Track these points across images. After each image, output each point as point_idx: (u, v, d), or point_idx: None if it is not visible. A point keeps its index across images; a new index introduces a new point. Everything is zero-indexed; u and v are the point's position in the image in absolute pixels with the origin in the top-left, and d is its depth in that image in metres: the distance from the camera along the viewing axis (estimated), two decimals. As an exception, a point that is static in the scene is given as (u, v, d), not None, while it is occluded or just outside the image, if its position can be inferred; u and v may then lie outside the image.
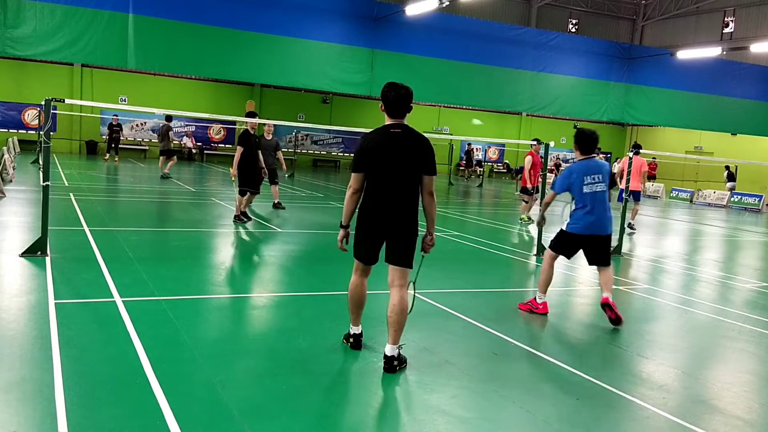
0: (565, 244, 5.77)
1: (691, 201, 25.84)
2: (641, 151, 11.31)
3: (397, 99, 4.05)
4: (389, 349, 4.06)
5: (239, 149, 9.82)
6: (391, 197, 4.05)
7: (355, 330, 4.48)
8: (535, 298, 5.83)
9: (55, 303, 5.02)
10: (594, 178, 5.59)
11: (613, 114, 21.01)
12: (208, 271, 7.05)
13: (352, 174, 4.13)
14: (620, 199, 13.19)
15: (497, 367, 4.40)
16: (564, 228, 5.75)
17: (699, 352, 5.27)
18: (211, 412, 3.36)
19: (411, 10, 16.76)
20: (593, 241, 5.63)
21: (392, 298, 4.09)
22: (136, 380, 3.64)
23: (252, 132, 9.89)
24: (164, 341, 4.40)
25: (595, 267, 5.88)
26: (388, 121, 4.10)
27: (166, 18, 14.49)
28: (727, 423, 3.72)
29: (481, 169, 30.76)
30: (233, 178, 9.99)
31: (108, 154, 23.65)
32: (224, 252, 8.41)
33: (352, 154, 14.50)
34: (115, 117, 24.00)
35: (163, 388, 3.54)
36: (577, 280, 7.90)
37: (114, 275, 6.03)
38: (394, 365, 4.04)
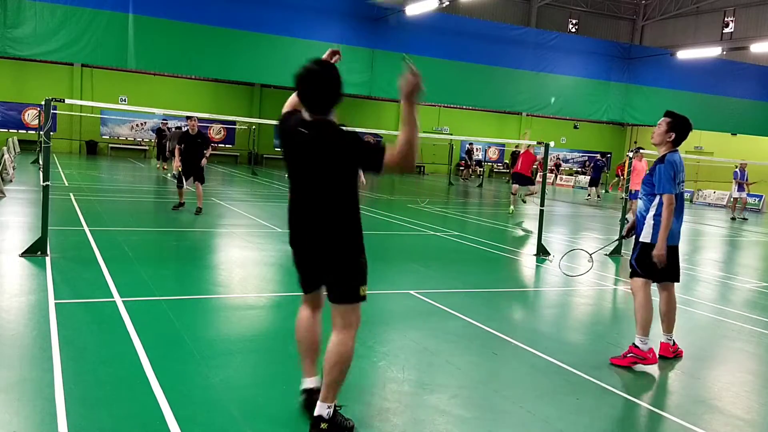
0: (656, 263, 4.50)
1: (690, 201, 25.84)
2: (643, 151, 11.45)
3: (300, 84, 2.93)
4: (318, 407, 3.03)
5: (178, 147, 11.09)
6: (305, 215, 3.04)
7: (307, 383, 3.26)
8: (635, 345, 4.52)
9: (55, 303, 5.02)
10: (682, 176, 4.55)
11: (613, 114, 21.03)
12: (208, 271, 7.05)
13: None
14: (632, 197, 13.14)
15: (497, 367, 4.40)
16: (650, 241, 4.49)
17: (699, 352, 5.26)
18: (211, 412, 3.36)
19: (411, 10, 16.77)
20: (671, 254, 4.57)
21: (330, 341, 3.13)
22: (136, 380, 3.64)
23: (190, 132, 11.12)
24: (164, 341, 4.40)
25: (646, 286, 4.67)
26: (309, 117, 3.03)
27: (166, 18, 14.51)
28: (727, 423, 3.72)
29: (481, 169, 30.74)
30: (176, 171, 11.25)
31: (159, 162, 21.84)
32: (224, 252, 8.41)
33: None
34: (164, 122, 23.11)
35: (163, 388, 3.54)
36: (577, 279, 7.90)
37: (114, 275, 6.03)
38: (320, 428, 3.00)
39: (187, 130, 11.14)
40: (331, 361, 3.04)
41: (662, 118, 4.60)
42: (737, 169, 17.93)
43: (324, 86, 2.91)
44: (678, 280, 4.75)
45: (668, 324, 4.75)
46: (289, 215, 3.15)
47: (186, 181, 11.18)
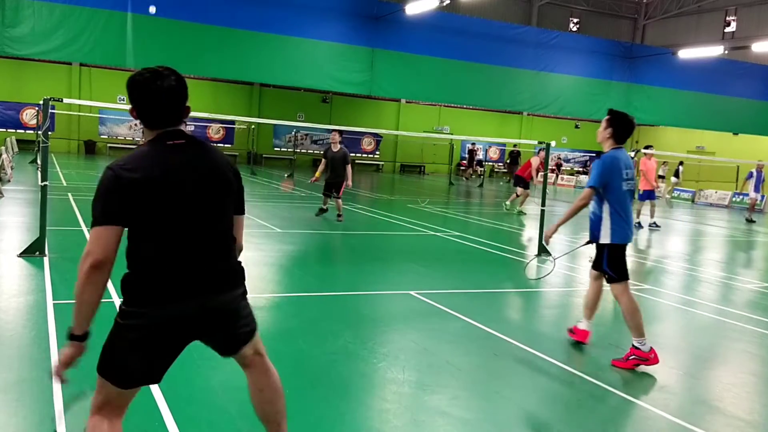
0: (624, 263, 4.59)
1: (692, 201, 25.83)
2: (647, 151, 11.66)
3: (171, 96, 2.28)
4: None
5: None
6: (198, 254, 2.31)
7: None
8: (635, 347, 4.49)
9: (54, 303, 5.00)
10: (629, 174, 4.58)
11: (614, 113, 20.96)
12: (208, 271, 7.02)
13: (96, 230, 2.17)
14: (641, 197, 13.78)
15: (498, 368, 4.37)
16: (610, 241, 4.55)
17: (700, 352, 5.24)
18: (210, 413, 3.34)
19: (411, 9, 16.74)
20: (622, 252, 4.66)
21: (256, 378, 2.64)
22: (135, 381, 3.62)
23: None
24: (163, 342, 4.37)
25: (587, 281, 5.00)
26: (150, 135, 2.32)
27: (165, 17, 14.47)
28: (729, 424, 3.70)
29: (482, 169, 30.71)
30: None
31: None
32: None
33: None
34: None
35: (161, 389, 3.51)
36: (577, 280, 7.88)
37: (112, 276, 5.99)
38: None
39: None
40: (280, 393, 2.69)
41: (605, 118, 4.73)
42: (753, 170, 17.68)
43: (183, 93, 2.32)
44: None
45: (591, 312, 4.88)
46: (171, 271, 2.27)
47: None
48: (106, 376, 2.33)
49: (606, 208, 4.55)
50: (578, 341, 4.89)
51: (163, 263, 2.27)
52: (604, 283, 4.78)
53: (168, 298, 2.27)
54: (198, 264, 2.31)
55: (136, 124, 29.19)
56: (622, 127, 4.60)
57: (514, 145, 30.14)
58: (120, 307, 2.33)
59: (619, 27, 35.24)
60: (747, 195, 19.17)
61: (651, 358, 4.44)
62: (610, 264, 4.58)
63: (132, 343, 2.28)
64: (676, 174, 26.40)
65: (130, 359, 2.30)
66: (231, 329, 2.49)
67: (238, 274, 2.50)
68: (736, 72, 21.62)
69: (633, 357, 4.47)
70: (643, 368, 4.52)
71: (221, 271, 2.39)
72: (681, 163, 26.69)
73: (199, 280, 2.32)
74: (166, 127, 2.31)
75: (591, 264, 4.83)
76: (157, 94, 2.25)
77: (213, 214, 2.35)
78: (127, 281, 2.31)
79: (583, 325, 4.92)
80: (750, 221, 17.43)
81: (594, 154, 31.70)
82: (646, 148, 13.34)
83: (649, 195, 13.77)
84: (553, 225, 4.82)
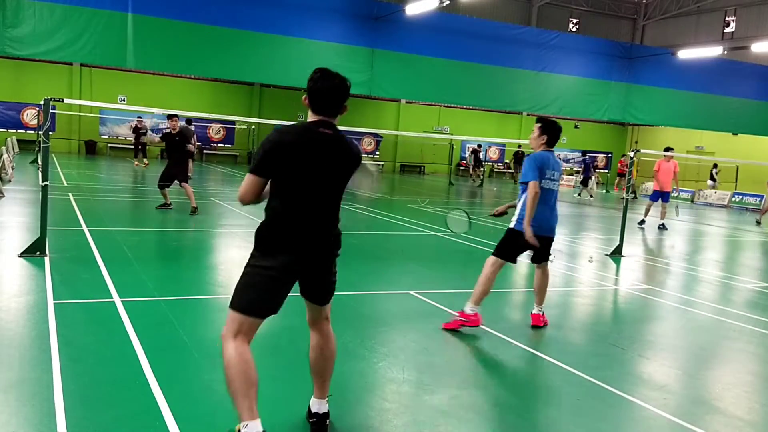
0: (514, 247, 5.09)
1: (692, 201, 25.83)
2: (667, 153, 11.76)
3: (332, 91, 3.01)
4: (321, 405, 3.22)
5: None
6: (318, 218, 3.01)
7: (256, 427, 2.76)
8: (465, 311, 5.03)
9: (54, 303, 5.01)
10: (554, 174, 5.06)
11: (614, 114, 20.97)
12: (208, 272, 7.03)
13: (249, 177, 2.93)
14: (652, 197, 13.82)
15: (498, 368, 4.39)
16: (513, 226, 5.07)
17: (700, 352, 5.25)
18: (210, 412, 3.35)
19: (411, 10, 16.75)
20: (541, 243, 5.09)
21: (319, 339, 3.20)
22: (136, 381, 3.63)
23: (172, 131, 10.90)
24: (163, 342, 4.39)
25: (534, 265, 5.42)
26: (312, 118, 3.06)
27: (166, 17, 14.47)
28: (728, 424, 3.71)
29: (482, 169, 30.72)
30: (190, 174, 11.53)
31: (136, 159, 23.42)
32: (224, 252, 8.40)
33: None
34: (139, 119, 23.95)
35: (162, 388, 3.52)
36: (578, 280, 7.89)
37: (113, 275, 6.01)
38: (327, 424, 3.22)
39: (169, 130, 10.85)
40: (334, 355, 3.23)
41: (534, 125, 5.19)
42: None
43: (346, 92, 3.09)
44: (547, 260, 5.34)
45: (540, 297, 5.36)
46: (295, 223, 2.95)
47: (164, 186, 10.89)
48: (245, 311, 2.93)
49: (524, 198, 5.02)
50: (535, 325, 5.29)
51: (291, 220, 2.95)
52: (548, 269, 5.37)
53: (292, 250, 2.94)
54: (318, 226, 3.00)
55: (136, 125, 29.27)
56: (553, 132, 5.08)
57: (519, 146, 30.10)
58: (252, 253, 3.03)
59: (618, 27, 35.25)
60: (762, 197, 19.00)
61: (473, 319, 4.97)
62: (502, 243, 5.11)
63: (266, 282, 2.95)
64: (712, 177, 26.10)
65: (264, 295, 2.96)
66: (326, 280, 3.12)
67: (340, 238, 3.13)
68: (735, 72, 21.60)
69: (459, 319, 4.99)
70: (642, 368, 4.54)
71: (332, 234, 3.07)
72: (715, 165, 26.31)
73: (318, 238, 3.00)
74: (326, 115, 3.02)
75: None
76: (326, 90, 3.01)
77: (334, 190, 3.05)
78: (261, 231, 2.99)
79: (534, 310, 5.37)
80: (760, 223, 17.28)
81: (595, 155, 31.67)
82: (667, 150, 13.43)
83: (661, 196, 13.71)
84: (526, 227, 4.96)
